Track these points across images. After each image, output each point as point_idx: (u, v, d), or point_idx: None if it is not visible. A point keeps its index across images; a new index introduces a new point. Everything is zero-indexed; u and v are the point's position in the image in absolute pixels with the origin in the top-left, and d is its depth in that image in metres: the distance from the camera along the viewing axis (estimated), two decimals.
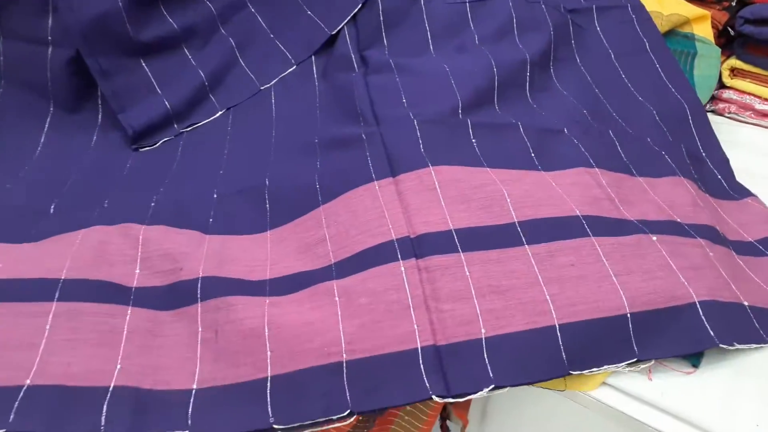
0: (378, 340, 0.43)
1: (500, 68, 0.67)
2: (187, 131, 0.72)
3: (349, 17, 0.75)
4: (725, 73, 0.93)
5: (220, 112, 0.73)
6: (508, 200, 0.52)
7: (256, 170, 0.64)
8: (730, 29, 0.94)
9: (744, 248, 0.55)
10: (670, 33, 0.85)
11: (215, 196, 0.61)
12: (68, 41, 0.69)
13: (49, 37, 0.69)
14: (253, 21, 0.78)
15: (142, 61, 0.72)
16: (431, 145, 0.58)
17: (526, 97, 0.68)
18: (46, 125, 0.73)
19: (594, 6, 0.81)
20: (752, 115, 0.91)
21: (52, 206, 0.60)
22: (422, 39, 0.74)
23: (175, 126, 0.71)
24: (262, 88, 0.74)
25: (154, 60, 0.72)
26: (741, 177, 0.71)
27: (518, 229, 0.50)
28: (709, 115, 0.93)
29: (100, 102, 0.73)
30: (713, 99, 0.95)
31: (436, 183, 0.54)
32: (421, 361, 0.42)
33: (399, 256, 0.49)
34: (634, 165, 0.60)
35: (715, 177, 0.68)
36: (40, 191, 0.63)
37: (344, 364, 0.43)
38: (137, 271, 0.51)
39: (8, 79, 0.72)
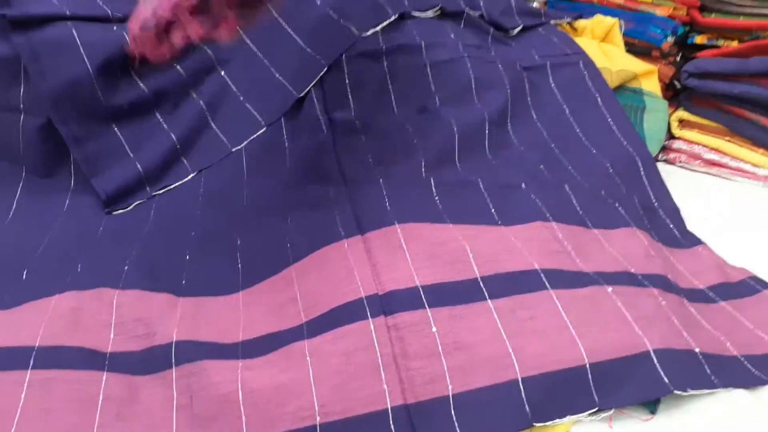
0: (350, 402, 0.45)
1: (460, 128, 0.71)
2: (159, 193, 0.73)
3: (315, 80, 0.78)
4: (674, 125, 0.99)
5: (192, 174, 0.75)
6: (471, 256, 0.55)
7: (228, 231, 0.66)
8: (676, 82, 1.00)
9: (695, 296, 0.58)
10: (620, 88, 0.90)
11: (187, 257, 0.63)
12: (39, 109, 0.70)
13: (21, 105, 0.71)
14: (223, 84, 0.81)
15: (113, 126, 0.74)
16: (397, 204, 0.61)
17: (486, 154, 0.72)
18: (18, 190, 0.74)
19: (548, 63, 0.86)
20: (701, 164, 0.97)
21: (25, 272, 0.61)
22: (387, 100, 0.78)
23: (148, 189, 0.73)
24: (233, 149, 0.76)
25: (125, 124, 0.74)
26: (691, 225, 0.75)
27: (481, 284, 0.53)
28: (662, 165, 0.99)
29: (72, 166, 0.75)
30: (664, 149, 1.00)
31: (402, 240, 0.56)
32: (391, 422, 0.44)
33: (368, 314, 0.50)
34: (589, 217, 0.64)
35: (667, 226, 0.72)
36: (12, 257, 0.63)
37: (317, 428, 0.44)
38: (112, 336, 0.52)
39: None
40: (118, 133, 0.74)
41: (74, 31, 0.70)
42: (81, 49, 0.69)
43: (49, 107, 0.69)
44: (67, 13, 0.70)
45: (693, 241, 0.71)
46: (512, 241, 0.57)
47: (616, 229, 0.63)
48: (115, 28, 0.73)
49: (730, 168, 0.94)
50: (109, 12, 0.74)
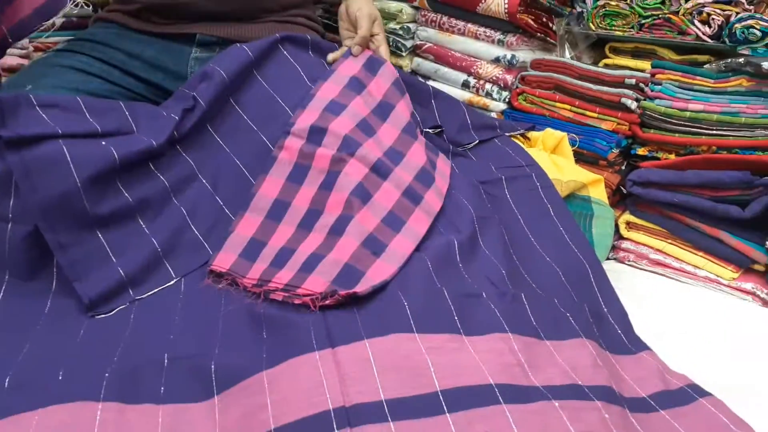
0: None
1: (431, 254, 0.76)
2: (141, 297, 0.77)
3: None
4: (622, 226, 1.08)
5: (174, 280, 0.78)
6: (432, 370, 0.59)
7: (205, 338, 0.69)
8: (622, 188, 1.09)
9: (637, 405, 0.64)
10: (570, 196, 0.98)
11: (166, 362, 0.66)
12: (27, 218, 0.74)
13: (10, 215, 0.75)
14: (203, 191, 0.86)
15: (97, 232, 0.78)
16: (367, 319, 0.66)
17: (457, 267, 0.77)
18: (1, 293, 0.76)
19: (503, 177, 0.94)
20: (648, 264, 1.05)
21: (7, 379, 0.63)
22: None
23: (131, 293, 0.76)
24: (213, 253, 0.81)
25: (109, 231, 0.78)
26: (638, 327, 0.81)
27: (440, 398, 0.57)
28: (612, 263, 1.07)
29: (54, 270, 0.78)
30: (614, 248, 1.08)
31: (371, 354, 0.61)
32: None
33: (334, 426, 0.54)
34: (542, 329, 0.69)
35: (615, 332, 0.78)
36: None
37: None
38: None
39: None
40: (102, 239, 0.78)
41: (64, 148, 0.74)
42: (71, 165, 0.74)
43: (38, 218, 0.73)
44: (59, 131, 0.75)
45: (639, 346, 0.76)
46: (471, 355, 0.62)
47: (567, 340, 0.68)
48: (103, 142, 0.78)
49: (674, 268, 1.02)
50: (98, 128, 0.79)
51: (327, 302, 0.68)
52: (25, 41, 1.08)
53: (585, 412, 0.57)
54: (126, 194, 0.80)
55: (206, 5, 0.96)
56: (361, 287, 0.69)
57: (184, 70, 0.98)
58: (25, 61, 1.08)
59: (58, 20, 1.17)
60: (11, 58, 1.06)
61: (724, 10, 1.16)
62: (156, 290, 0.78)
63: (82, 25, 1.19)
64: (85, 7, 1.19)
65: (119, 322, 0.73)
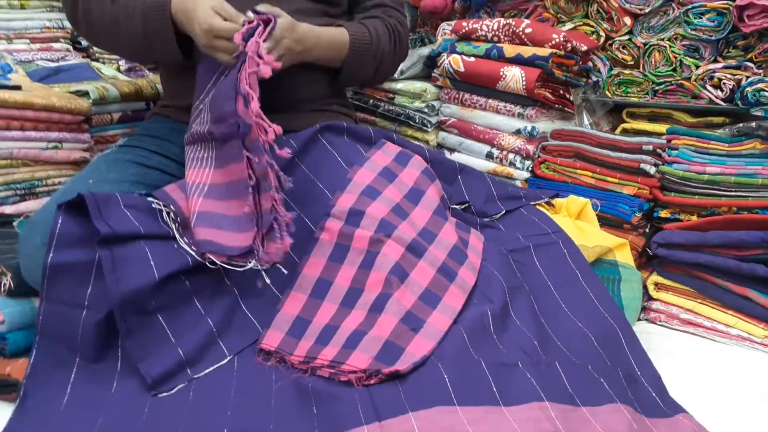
0: None
1: (466, 328, 0.81)
2: (198, 376, 0.82)
3: None
4: (651, 287, 1.11)
5: (228, 358, 0.84)
6: None
7: (259, 413, 0.74)
8: (648, 250, 1.13)
9: None
10: (597, 261, 1.02)
11: None
12: (102, 306, 0.81)
13: (86, 303, 0.82)
14: (253, 271, 0.93)
15: (158, 316, 0.85)
16: (410, 392, 0.70)
17: (492, 337, 0.82)
18: (72, 376, 0.83)
19: (531, 245, 0.99)
20: (679, 323, 1.07)
21: None
22: None
23: (189, 371, 0.82)
24: (263, 331, 0.87)
25: (169, 314, 0.85)
26: (673, 389, 0.84)
27: None
28: (643, 324, 1.09)
29: (119, 352, 0.85)
30: (645, 309, 1.11)
31: (416, 427, 0.65)
32: None
33: None
34: (577, 395, 0.73)
35: (650, 395, 0.80)
36: None
37: None
38: None
39: (43, 335, 0.84)
40: (162, 322, 0.85)
41: (147, 248, 0.83)
42: (152, 263, 0.82)
43: (116, 307, 0.80)
44: (142, 231, 0.84)
45: (674, 408, 0.79)
46: (511, 424, 0.66)
47: (602, 406, 0.71)
48: (175, 245, 0.86)
49: (705, 327, 1.04)
50: (171, 231, 0.88)
51: (371, 381, 0.73)
52: (87, 135, 1.19)
53: None
54: (186, 282, 0.87)
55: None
56: (403, 365, 0.74)
57: None
58: (88, 154, 1.19)
59: (115, 114, 1.29)
60: (76, 152, 1.17)
61: (734, 75, 1.22)
62: (212, 368, 0.83)
63: (138, 118, 1.31)
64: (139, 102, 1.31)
65: (179, 400, 0.79)
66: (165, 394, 0.80)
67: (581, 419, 0.69)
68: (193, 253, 0.85)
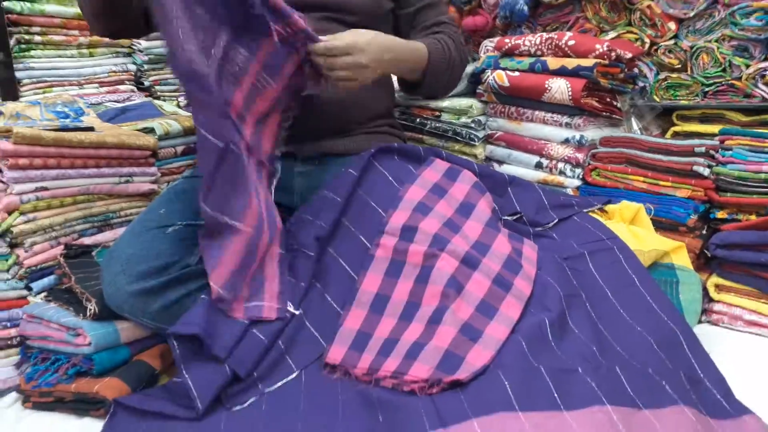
0: None
1: (525, 337, 0.82)
2: (270, 390, 0.87)
3: None
4: (711, 289, 1.09)
5: (296, 372, 0.89)
6: None
7: (329, 424, 0.78)
8: (706, 252, 1.11)
9: None
10: (653, 265, 1.02)
11: None
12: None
13: None
14: (316, 292, 0.97)
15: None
16: (472, 399, 0.72)
17: (550, 345, 0.83)
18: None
19: (586, 252, 0.99)
20: (743, 325, 1.05)
21: None
22: None
23: (260, 386, 0.87)
24: (326, 346, 0.91)
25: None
26: (738, 390, 0.82)
27: None
28: (706, 326, 1.08)
29: None
30: (706, 311, 1.10)
31: None
32: None
33: None
34: (639, 398, 0.73)
35: (715, 396, 0.80)
36: None
37: None
38: None
39: None
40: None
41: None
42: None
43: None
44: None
45: (740, 410, 0.78)
46: (573, 429, 0.67)
47: (665, 408, 0.71)
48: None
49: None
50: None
51: (434, 390, 0.75)
52: (154, 168, 1.28)
53: None
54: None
55: (308, 122, 1.10)
56: (463, 374, 0.76)
57: (290, 183, 1.13)
58: (156, 186, 1.27)
59: (179, 147, 1.38)
60: (145, 185, 1.25)
61: None
62: (281, 383, 0.88)
63: None
64: None
65: (253, 414, 0.83)
66: (239, 407, 0.85)
67: (644, 421, 0.69)
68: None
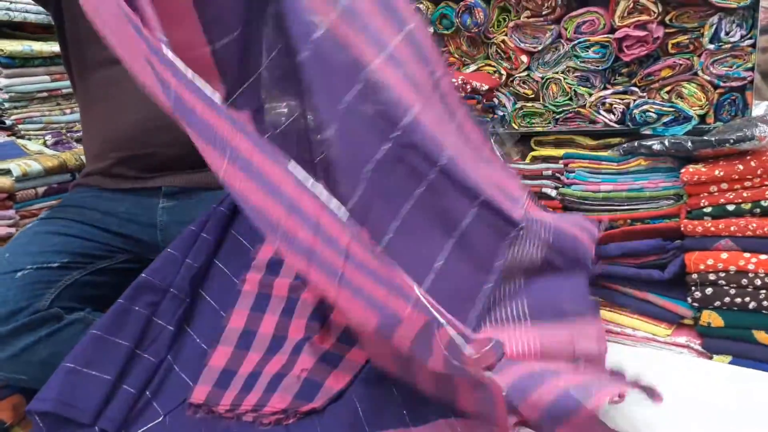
0: None
1: None
2: None
3: None
4: None
5: (161, 417, 0.86)
6: None
7: None
8: None
9: None
10: None
11: None
12: None
13: None
14: (188, 337, 0.96)
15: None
16: (327, 426, 0.74)
17: None
18: None
19: None
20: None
21: None
22: None
23: None
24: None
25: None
26: None
27: None
28: None
29: None
30: None
31: None
32: None
33: None
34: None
35: None
36: None
37: None
38: None
39: None
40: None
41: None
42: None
43: None
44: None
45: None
46: None
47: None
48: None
49: (614, 333, 1.11)
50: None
51: (290, 420, 0.77)
52: (12, 212, 1.22)
53: None
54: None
55: (171, 153, 1.09)
56: (319, 401, 0.78)
57: (154, 219, 1.10)
58: (14, 230, 1.21)
59: (40, 189, 1.32)
60: (3, 229, 1.19)
61: (623, 99, 1.34)
62: (146, 428, 0.85)
63: (62, 190, 1.34)
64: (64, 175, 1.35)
65: None
66: None
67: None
68: None
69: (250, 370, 0.88)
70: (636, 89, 1.33)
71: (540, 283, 0.91)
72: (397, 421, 0.74)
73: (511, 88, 1.49)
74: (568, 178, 1.21)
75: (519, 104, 1.47)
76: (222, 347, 0.92)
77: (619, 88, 1.35)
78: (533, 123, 1.46)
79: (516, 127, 1.48)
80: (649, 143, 1.12)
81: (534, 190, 1.24)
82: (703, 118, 1.28)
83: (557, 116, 1.42)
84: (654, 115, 1.30)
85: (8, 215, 1.20)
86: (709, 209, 1.02)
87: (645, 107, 1.30)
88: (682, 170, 1.04)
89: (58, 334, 0.90)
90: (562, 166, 1.24)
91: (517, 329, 0.78)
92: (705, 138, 1.05)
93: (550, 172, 1.23)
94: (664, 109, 1.28)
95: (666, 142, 1.09)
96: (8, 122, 1.60)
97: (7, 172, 1.24)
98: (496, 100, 1.46)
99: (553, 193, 1.22)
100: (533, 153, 1.42)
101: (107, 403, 0.85)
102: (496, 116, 1.47)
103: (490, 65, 1.50)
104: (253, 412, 0.81)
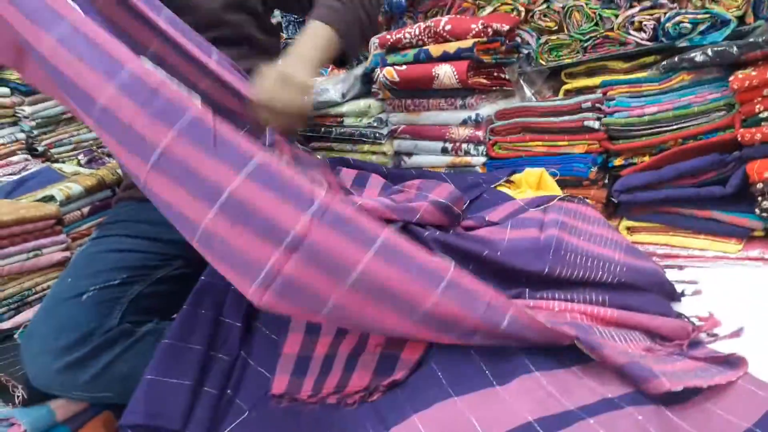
0: None
1: None
2: None
3: None
4: (624, 233, 1.15)
5: (246, 412, 0.88)
6: (477, 425, 0.67)
7: None
8: (612, 199, 1.17)
9: (672, 397, 0.69)
10: None
11: None
12: None
13: None
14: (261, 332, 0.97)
15: None
16: (411, 395, 0.74)
17: None
18: None
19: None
20: (659, 259, 1.11)
21: None
22: None
23: None
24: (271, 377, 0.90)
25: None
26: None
27: None
28: None
29: None
30: None
31: (420, 427, 0.69)
32: None
33: None
34: (567, 358, 0.76)
35: None
36: None
37: None
38: None
39: None
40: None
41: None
42: None
43: None
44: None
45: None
46: (507, 401, 0.69)
47: (590, 362, 0.75)
48: None
49: (683, 257, 1.08)
50: None
51: (374, 397, 0.77)
52: (63, 236, 1.24)
53: (619, 421, 0.64)
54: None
55: None
56: (399, 373, 0.78)
57: None
58: (68, 253, 1.23)
59: (85, 209, 1.34)
60: (56, 254, 1.21)
61: (653, 15, 1.27)
62: (233, 425, 0.87)
63: (106, 206, 1.35)
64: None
65: None
66: None
67: (571, 378, 0.73)
68: None
69: (325, 353, 0.89)
70: (665, 1, 1.26)
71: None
72: (482, 382, 0.73)
73: (532, 24, 1.43)
74: (609, 107, 1.16)
75: (543, 39, 1.42)
76: (293, 334, 0.92)
77: (647, 3, 1.28)
78: (561, 56, 1.40)
79: (544, 63, 1.42)
80: (690, 55, 1.06)
81: (575, 126, 1.19)
82: (741, 20, 1.20)
83: (585, 44, 1.36)
84: (689, 26, 1.23)
85: (60, 239, 1.22)
86: (765, 114, 0.96)
87: (678, 18, 1.23)
88: (731, 78, 0.99)
89: (133, 348, 0.92)
90: (600, 95, 1.19)
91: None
92: (751, 40, 0.99)
93: (589, 104, 1.18)
94: (699, 16, 1.21)
95: (709, 52, 1.03)
96: (40, 148, 1.63)
97: (51, 198, 1.25)
98: (518, 39, 1.41)
99: (596, 124, 1.17)
100: (566, 86, 1.38)
101: (192, 408, 0.87)
102: (521, 55, 1.42)
103: (506, 3, 1.44)
104: (336, 393, 0.81)
